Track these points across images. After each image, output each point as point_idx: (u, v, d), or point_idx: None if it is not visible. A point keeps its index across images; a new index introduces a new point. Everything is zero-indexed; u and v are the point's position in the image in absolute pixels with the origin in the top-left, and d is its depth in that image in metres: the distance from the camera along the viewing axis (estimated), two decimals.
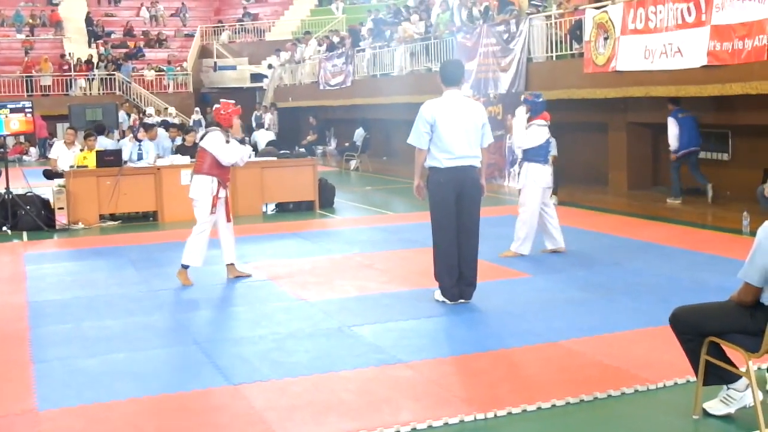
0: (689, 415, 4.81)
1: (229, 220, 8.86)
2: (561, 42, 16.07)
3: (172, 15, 42.65)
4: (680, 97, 13.34)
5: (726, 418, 4.75)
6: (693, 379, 4.94)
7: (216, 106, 9.03)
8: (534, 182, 9.67)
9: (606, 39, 14.29)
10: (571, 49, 15.87)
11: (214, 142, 8.65)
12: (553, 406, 5.05)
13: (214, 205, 8.62)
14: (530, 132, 9.66)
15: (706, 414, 4.79)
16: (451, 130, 7.43)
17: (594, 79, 14.78)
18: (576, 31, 15.48)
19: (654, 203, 14.13)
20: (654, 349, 6.03)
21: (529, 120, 9.74)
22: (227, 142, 8.67)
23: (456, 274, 7.54)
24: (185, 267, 8.75)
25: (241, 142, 8.99)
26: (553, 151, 14.49)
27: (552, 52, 16.35)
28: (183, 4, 42.81)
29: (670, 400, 5.12)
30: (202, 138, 8.99)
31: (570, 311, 7.24)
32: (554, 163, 14.42)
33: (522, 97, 10.63)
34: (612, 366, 5.71)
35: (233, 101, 9.06)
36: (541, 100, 9.88)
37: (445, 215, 7.51)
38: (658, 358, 5.80)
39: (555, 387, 5.31)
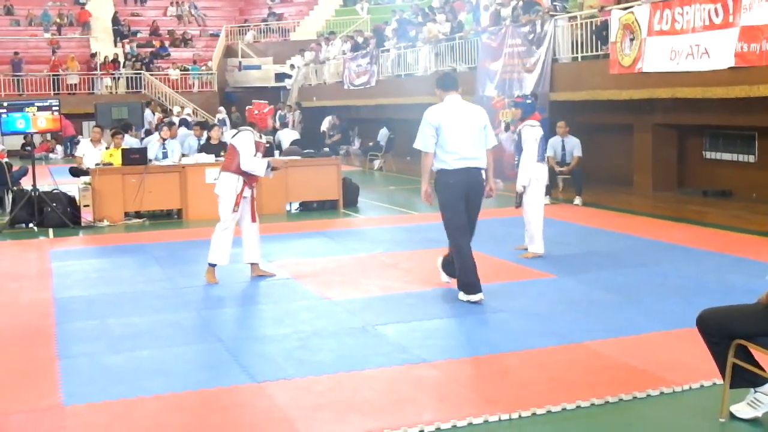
0: (716, 418, 4.77)
1: (254, 220, 8.85)
2: (586, 43, 16.00)
3: (194, 15, 42.83)
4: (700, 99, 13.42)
5: (753, 421, 4.70)
6: (719, 381, 4.90)
7: (248, 107, 9.04)
8: (536, 180, 9.64)
9: (632, 40, 14.21)
10: (596, 50, 15.79)
11: (243, 142, 8.67)
12: (578, 407, 5.02)
13: (237, 204, 8.64)
14: (524, 138, 9.59)
15: (733, 417, 4.75)
16: (456, 132, 7.56)
17: (619, 80, 14.71)
18: (602, 32, 15.41)
19: (679, 205, 14.05)
20: (680, 351, 6.00)
21: (522, 121, 9.71)
22: (260, 138, 8.75)
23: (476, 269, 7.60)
24: (212, 265, 8.79)
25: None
26: (577, 152, 14.54)
27: (577, 53, 16.29)
28: (193, 3, 42.93)
29: (696, 402, 5.09)
30: (234, 136, 9.02)
31: (595, 312, 7.21)
32: (578, 164, 14.45)
33: (513, 100, 10.66)
34: (637, 368, 5.68)
35: (266, 101, 9.08)
36: (532, 101, 9.98)
37: (457, 214, 7.61)
38: (684, 360, 5.77)
39: (580, 388, 5.28)
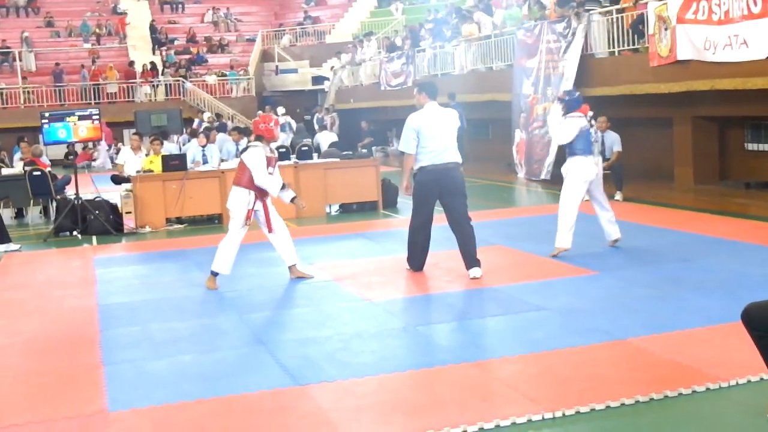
0: (763, 414, 4.68)
1: (270, 231, 8.80)
2: (622, 37, 15.86)
3: (230, 22, 43.11)
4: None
5: None
6: (767, 376, 4.82)
7: (254, 119, 9.01)
8: (575, 175, 9.47)
9: (666, 30, 14.08)
10: (633, 44, 15.64)
11: (253, 159, 8.56)
12: (623, 404, 4.96)
13: (248, 218, 8.61)
14: (564, 125, 9.54)
15: None
16: (434, 134, 8.61)
17: (657, 73, 14.55)
18: (638, 26, 15.27)
19: (722, 198, 13.87)
20: (725, 346, 5.91)
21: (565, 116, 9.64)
22: (271, 152, 8.72)
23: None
24: (214, 274, 8.79)
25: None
26: (617, 147, 14.39)
27: (614, 47, 16.15)
28: (228, 9, 43.21)
29: (743, 398, 5.01)
30: (243, 150, 8.97)
31: (638, 309, 7.13)
32: (618, 159, 14.31)
33: (558, 97, 10.58)
34: (682, 364, 5.60)
35: (272, 111, 9.10)
36: (576, 96, 9.89)
37: (420, 214, 8.85)
38: (730, 355, 5.68)
39: (624, 385, 5.23)
